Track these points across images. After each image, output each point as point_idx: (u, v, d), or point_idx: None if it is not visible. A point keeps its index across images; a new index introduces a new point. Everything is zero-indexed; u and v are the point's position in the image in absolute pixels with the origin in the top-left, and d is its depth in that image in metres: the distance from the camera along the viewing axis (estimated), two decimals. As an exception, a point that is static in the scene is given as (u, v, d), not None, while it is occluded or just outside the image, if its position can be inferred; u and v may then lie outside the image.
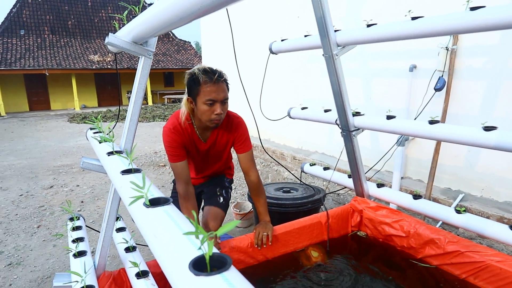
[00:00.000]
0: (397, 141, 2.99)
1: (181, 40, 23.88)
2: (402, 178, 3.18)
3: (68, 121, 14.17)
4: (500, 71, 2.51)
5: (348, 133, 2.14)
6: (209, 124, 1.82)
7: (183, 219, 0.64)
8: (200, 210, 2.32)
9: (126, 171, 0.96)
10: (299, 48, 2.34)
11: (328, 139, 4.18)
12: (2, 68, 16.09)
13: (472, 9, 1.34)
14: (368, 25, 1.77)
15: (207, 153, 2.06)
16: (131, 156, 0.96)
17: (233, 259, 1.89)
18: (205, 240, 0.44)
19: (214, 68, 1.80)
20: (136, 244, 1.71)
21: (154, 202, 0.70)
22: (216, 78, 1.73)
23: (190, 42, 24.15)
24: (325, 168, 2.64)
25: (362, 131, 2.15)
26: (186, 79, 1.80)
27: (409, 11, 1.61)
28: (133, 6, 1.32)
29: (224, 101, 1.78)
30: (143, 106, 16.71)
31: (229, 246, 1.92)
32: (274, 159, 4.08)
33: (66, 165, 6.67)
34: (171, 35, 23.29)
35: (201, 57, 23.13)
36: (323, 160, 4.09)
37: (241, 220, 3.77)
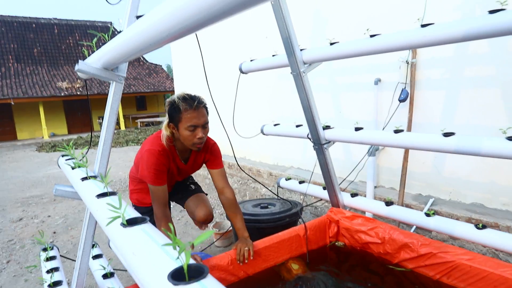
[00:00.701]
0: (368, 151, 3.11)
1: (152, 63, 23.85)
2: (375, 187, 3.28)
3: (36, 150, 13.67)
4: (457, 81, 2.68)
5: (320, 146, 2.21)
6: (192, 148, 1.91)
7: (161, 235, 0.66)
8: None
9: (102, 195, 0.97)
10: (267, 67, 2.42)
11: (302, 154, 4.26)
12: (-36, 99, 15.46)
13: (423, 26, 1.46)
14: (331, 43, 1.87)
15: (186, 172, 2.17)
16: (106, 179, 0.97)
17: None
18: (182, 251, 0.47)
19: (193, 95, 1.88)
20: (114, 269, 1.68)
21: (131, 222, 0.72)
22: (196, 104, 1.81)
23: (161, 65, 24.16)
24: (301, 182, 2.69)
25: (333, 143, 2.23)
26: (167, 108, 1.88)
27: (367, 29, 1.72)
28: (102, 34, 1.35)
29: (204, 125, 1.87)
30: (115, 131, 16.37)
31: (209, 265, 1.92)
32: (251, 176, 4.11)
33: (36, 195, 6.42)
34: (142, 59, 23.23)
35: (172, 79, 23.13)
36: (299, 175, 4.16)
37: (221, 239, 3.75)
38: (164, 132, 1.93)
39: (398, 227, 2.13)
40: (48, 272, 1.55)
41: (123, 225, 0.71)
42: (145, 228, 0.69)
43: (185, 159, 2.08)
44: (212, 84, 5.64)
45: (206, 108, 1.91)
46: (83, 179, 1.20)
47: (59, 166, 1.77)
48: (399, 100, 2.94)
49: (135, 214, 0.79)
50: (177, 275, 0.50)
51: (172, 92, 21.61)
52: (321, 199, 3.02)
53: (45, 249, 1.83)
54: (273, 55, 2.29)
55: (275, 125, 2.61)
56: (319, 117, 2.16)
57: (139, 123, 19.76)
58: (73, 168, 1.41)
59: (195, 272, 0.51)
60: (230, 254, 2.00)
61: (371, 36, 1.66)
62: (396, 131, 1.81)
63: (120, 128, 19.05)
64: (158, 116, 21.20)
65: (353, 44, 1.74)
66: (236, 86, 2.91)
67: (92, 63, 1.37)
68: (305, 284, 2.02)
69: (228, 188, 2.08)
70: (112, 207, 0.74)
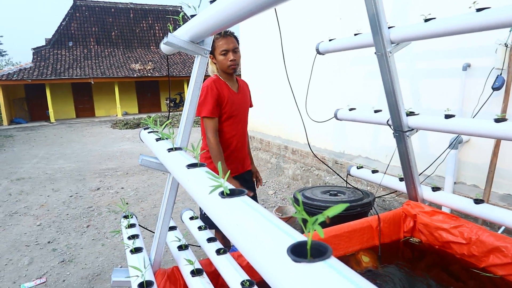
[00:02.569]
0: (450, 143, 2.84)
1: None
2: (455, 183, 3.01)
3: (111, 127, 14.81)
4: None
5: (401, 133, 2.05)
6: (228, 71, 2.21)
7: (263, 209, 0.62)
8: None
9: (192, 165, 0.97)
10: (348, 48, 2.29)
11: (372, 143, 4.05)
12: (53, 78, 17.17)
13: (550, -4, 1.24)
14: (426, 20, 1.69)
15: (243, 101, 2.39)
16: (198, 150, 0.96)
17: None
18: (314, 223, 0.42)
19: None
20: (188, 244, 1.72)
21: (231, 193, 0.69)
22: (223, 33, 2.13)
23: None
24: (374, 171, 2.55)
25: (416, 131, 2.06)
26: None
27: (474, 2, 1.52)
28: (176, 17, 1.35)
29: (235, 50, 2.17)
30: (177, 112, 17.14)
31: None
32: (323, 162, 4.00)
33: (111, 168, 6.95)
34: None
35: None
36: (367, 164, 3.97)
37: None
38: (210, 67, 2.26)
39: (486, 228, 1.92)
40: (129, 238, 1.64)
41: (222, 195, 0.68)
42: (246, 201, 0.66)
43: (235, 88, 2.33)
44: (280, 67, 5.57)
45: (235, 37, 2.20)
46: (170, 150, 1.21)
47: (141, 139, 1.84)
48: (492, 88, 2.63)
49: (230, 186, 0.76)
50: (296, 252, 0.46)
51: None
52: (395, 191, 2.84)
53: (125, 217, 1.94)
54: (355, 34, 2.15)
55: (350, 109, 2.47)
56: (403, 102, 1.99)
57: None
58: (157, 140, 1.44)
59: (315, 251, 0.46)
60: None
61: (478, 10, 1.47)
62: (498, 120, 1.60)
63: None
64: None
65: (455, 20, 1.55)
66: (310, 68, 2.80)
67: (180, 36, 1.37)
68: (375, 278, 1.91)
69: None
70: (211, 175, 0.72)
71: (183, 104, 18.83)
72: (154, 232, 2.07)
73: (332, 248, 2.04)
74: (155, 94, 21.70)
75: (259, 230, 0.55)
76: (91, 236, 3.69)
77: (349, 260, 2.06)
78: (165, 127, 1.48)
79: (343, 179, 3.02)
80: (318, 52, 2.52)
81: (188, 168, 0.96)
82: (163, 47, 1.79)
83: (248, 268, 1.72)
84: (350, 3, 4.16)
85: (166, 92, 21.70)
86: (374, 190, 3.70)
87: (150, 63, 20.41)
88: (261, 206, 0.64)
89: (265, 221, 0.57)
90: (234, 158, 2.41)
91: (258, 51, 6.48)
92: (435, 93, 3.22)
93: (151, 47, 22.53)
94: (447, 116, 1.81)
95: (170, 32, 1.42)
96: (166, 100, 21.03)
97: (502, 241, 1.78)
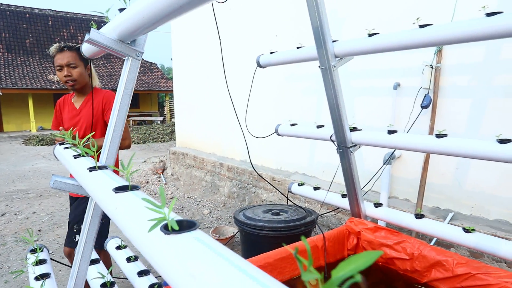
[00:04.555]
0: (385, 159, 2.92)
1: (147, 61, 23.54)
2: (388, 198, 3.10)
3: (23, 143, 13.24)
4: (485, 88, 2.52)
5: (345, 149, 2.01)
6: (67, 87, 2.11)
7: (227, 250, 0.45)
8: None
9: (121, 188, 0.75)
10: (290, 61, 2.23)
11: (309, 159, 4.07)
12: (-50, 87, 14.93)
13: (489, 14, 1.28)
14: (370, 35, 1.68)
15: (79, 119, 2.21)
16: (128, 169, 0.75)
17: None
18: None
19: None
20: (114, 277, 1.44)
21: (180, 227, 0.50)
22: (59, 48, 2.06)
23: (156, 64, 23.86)
24: (315, 188, 2.49)
25: (359, 147, 2.04)
26: None
27: (418, 18, 1.53)
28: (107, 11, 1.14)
29: (70, 65, 2.05)
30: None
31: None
32: (264, 179, 3.88)
33: (21, 190, 6.09)
34: (137, 56, 22.88)
35: (167, 79, 22.86)
36: (304, 181, 3.96)
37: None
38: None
39: (428, 243, 1.94)
40: (37, 278, 1.31)
41: (166, 230, 0.49)
42: (201, 238, 0.47)
43: (78, 104, 2.19)
44: (216, 82, 5.43)
45: (78, 51, 2.06)
46: (91, 169, 0.97)
47: (55, 156, 1.54)
48: (421, 106, 2.77)
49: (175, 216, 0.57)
50: None
51: (166, 91, 21.28)
52: (336, 208, 2.82)
53: (33, 251, 1.59)
54: (298, 47, 2.09)
55: (292, 124, 2.40)
56: (347, 117, 1.97)
57: (131, 121, 19.38)
58: (75, 157, 1.18)
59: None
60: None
61: (421, 26, 1.48)
62: (439, 136, 1.63)
63: (111, 126, 18.63)
64: (151, 115, 20.86)
65: (399, 36, 1.56)
66: (250, 83, 2.69)
67: (106, 33, 1.15)
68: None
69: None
70: (148, 202, 0.52)
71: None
72: (71, 267, 1.73)
73: (278, 272, 1.90)
74: (77, 108, 20.04)
75: (226, 285, 0.37)
76: (-10, 273, 3.07)
77: (296, 283, 1.93)
78: (85, 141, 1.23)
79: (286, 197, 2.93)
80: (259, 65, 2.43)
81: (115, 192, 0.74)
82: (86, 48, 1.53)
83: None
84: (285, 21, 4.20)
85: (90, 106, 20.19)
86: (313, 207, 3.68)
87: (71, 74, 18.86)
88: (222, 245, 0.46)
89: (232, 269, 0.39)
90: None
91: (192, 66, 6.28)
92: (368, 110, 3.33)
93: (73, 58, 20.92)
94: (390, 132, 1.81)
95: (93, 29, 1.18)
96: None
97: (442, 255, 1.80)
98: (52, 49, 2.08)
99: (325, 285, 0.29)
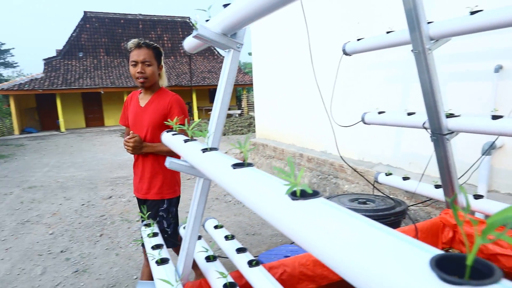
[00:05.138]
0: (484, 150, 2.69)
1: (225, 57, 24.43)
2: (487, 191, 2.84)
3: (120, 136, 14.81)
4: None
5: (440, 137, 1.91)
6: (137, 83, 2.10)
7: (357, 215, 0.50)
8: None
9: (238, 165, 0.85)
10: (378, 47, 2.17)
11: (394, 150, 3.90)
12: (63, 88, 17.32)
13: None
14: (472, 12, 1.57)
15: (140, 118, 2.23)
16: (246, 147, 0.84)
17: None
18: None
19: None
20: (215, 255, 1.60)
21: (304, 194, 0.57)
22: (137, 43, 2.06)
23: (234, 59, 24.59)
24: (405, 178, 2.40)
25: (456, 134, 1.92)
26: None
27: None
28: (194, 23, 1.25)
29: (145, 62, 2.05)
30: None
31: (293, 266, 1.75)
32: (354, 169, 3.86)
33: (122, 176, 6.86)
34: (216, 52, 23.93)
35: (245, 73, 23.49)
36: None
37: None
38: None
39: (539, 239, 1.76)
40: (153, 248, 1.52)
41: (294, 196, 0.56)
42: (326, 202, 0.53)
43: (143, 102, 2.18)
44: (296, 73, 5.47)
45: (155, 49, 2.10)
46: (204, 150, 1.09)
47: (163, 143, 1.72)
48: (530, 90, 2.48)
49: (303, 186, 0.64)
50: (444, 268, 0.33)
51: (243, 85, 21.94)
52: (429, 199, 2.68)
53: (147, 225, 1.82)
54: (387, 32, 2.03)
55: (379, 112, 2.34)
56: (442, 103, 1.86)
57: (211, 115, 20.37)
58: (185, 141, 1.33)
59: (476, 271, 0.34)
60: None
61: (536, -1, 1.34)
62: (556, 120, 1.46)
63: (193, 119, 19.88)
64: (229, 109, 21.68)
65: (506, 12, 1.43)
66: (331, 72, 2.68)
67: (211, 28, 1.27)
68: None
69: None
70: (283, 172, 0.59)
71: (192, 114, 18.53)
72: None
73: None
74: (164, 103, 21.77)
75: (363, 239, 0.42)
76: (104, 246, 3.57)
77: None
78: (194, 126, 1.37)
79: (372, 185, 2.88)
80: (345, 53, 2.41)
81: (234, 168, 0.84)
82: (188, 43, 1.69)
83: (282, 280, 1.59)
84: (368, 7, 4.06)
85: (175, 101, 21.75)
86: (400, 198, 3.54)
87: (159, 72, 20.52)
88: (349, 210, 0.52)
89: (365, 226, 0.44)
90: (135, 174, 2.26)
91: (271, 60, 6.40)
92: (462, 97, 3.08)
93: (160, 57, 22.70)
94: (495, 117, 1.67)
95: (195, 28, 1.29)
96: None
97: (559, 253, 1.62)
98: (130, 44, 2.08)
99: (484, 230, 0.32)
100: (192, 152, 1.19)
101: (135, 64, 2.05)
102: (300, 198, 0.56)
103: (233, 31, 1.29)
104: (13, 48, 36.21)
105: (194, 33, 1.27)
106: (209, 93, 23.05)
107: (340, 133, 3.78)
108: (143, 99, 2.17)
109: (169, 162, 1.30)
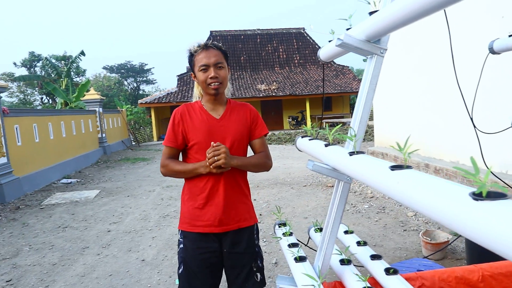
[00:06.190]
0: None
1: (339, 65, 24.14)
2: None
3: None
4: None
5: None
6: (208, 91, 1.80)
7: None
8: None
9: (396, 167, 0.86)
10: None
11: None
12: (192, 100, 19.51)
13: None
14: None
15: (220, 131, 1.92)
16: (406, 149, 0.85)
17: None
18: None
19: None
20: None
21: (489, 195, 0.56)
22: (204, 45, 1.77)
23: (348, 67, 24.13)
24: None
25: None
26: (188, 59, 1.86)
27: None
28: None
29: (218, 65, 1.76)
30: (299, 129, 17.39)
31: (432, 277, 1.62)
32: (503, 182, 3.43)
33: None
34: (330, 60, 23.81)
35: (359, 80, 22.77)
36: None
37: (430, 250, 3.31)
38: (195, 91, 1.96)
39: None
40: (290, 246, 1.62)
41: (476, 196, 0.56)
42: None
43: (218, 114, 1.88)
44: (420, 78, 5.10)
45: (222, 50, 1.82)
46: (351, 153, 1.14)
47: (298, 149, 1.81)
48: None
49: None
50: None
51: (357, 92, 21.25)
52: None
53: (282, 224, 1.94)
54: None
55: (538, 118, 2.03)
56: None
57: (324, 123, 20.32)
58: (326, 146, 1.39)
59: None
60: (455, 271, 1.65)
61: None
62: None
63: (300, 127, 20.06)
64: (342, 117, 21.26)
65: None
66: (474, 73, 2.44)
67: (355, 35, 1.31)
68: None
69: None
70: (463, 171, 0.60)
71: (305, 122, 18.77)
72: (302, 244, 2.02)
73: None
74: (278, 112, 22.59)
75: None
76: (231, 243, 3.89)
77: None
78: (334, 131, 1.43)
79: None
80: (492, 52, 2.17)
81: (392, 170, 0.86)
82: (326, 52, 1.77)
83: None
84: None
85: (289, 110, 22.35)
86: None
87: (274, 83, 21.41)
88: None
89: None
90: (206, 204, 1.77)
91: (390, 65, 6.09)
92: None
93: (275, 68, 23.66)
94: None
95: (346, 33, 1.35)
96: (289, 118, 21.64)
97: None
98: (195, 47, 1.78)
99: None
100: (337, 156, 1.24)
101: (206, 68, 1.74)
102: (485, 199, 0.55)
103: (377, 37, 1.31)
104: (153, 68, 42.47)
105: (338, 42, 1.34)
106: (323, 102, 23.03)
107: (470, 141, 3.39)
108: (214, 110, 1.87)
109: (312, 165, 1.38)
